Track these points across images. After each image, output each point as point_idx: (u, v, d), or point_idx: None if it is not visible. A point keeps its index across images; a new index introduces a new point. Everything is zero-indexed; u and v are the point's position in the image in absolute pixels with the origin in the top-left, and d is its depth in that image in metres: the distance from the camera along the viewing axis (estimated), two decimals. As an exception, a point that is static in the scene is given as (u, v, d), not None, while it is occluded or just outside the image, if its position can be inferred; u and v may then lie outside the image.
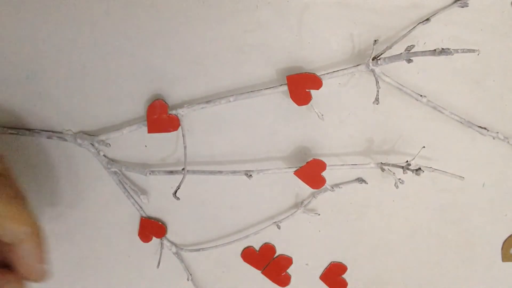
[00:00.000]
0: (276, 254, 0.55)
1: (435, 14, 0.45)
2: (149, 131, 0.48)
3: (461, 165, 0.51)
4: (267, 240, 0.55)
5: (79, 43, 0.46)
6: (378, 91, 0.45)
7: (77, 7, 0.44)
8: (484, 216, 0.54)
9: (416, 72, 0.47)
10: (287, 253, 0.55)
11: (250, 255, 0.55)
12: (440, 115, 0.48)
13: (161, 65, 0.47)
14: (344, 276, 0.57)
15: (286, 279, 0.56)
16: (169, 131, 0.48)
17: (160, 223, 0.53)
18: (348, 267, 0.56)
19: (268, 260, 0.55)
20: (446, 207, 0.54)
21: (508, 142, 0.49)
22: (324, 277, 0.57)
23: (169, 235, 0.54)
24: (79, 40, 0.46)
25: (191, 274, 0.55)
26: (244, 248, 0.55)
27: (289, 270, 0.56)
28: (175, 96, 0.48)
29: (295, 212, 0.52)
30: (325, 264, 0.56)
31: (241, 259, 0.55)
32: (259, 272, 0.56)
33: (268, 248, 0.55)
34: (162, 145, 0.50)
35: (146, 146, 0.50)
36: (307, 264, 0.56)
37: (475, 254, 0.56)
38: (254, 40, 0.46)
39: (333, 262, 0.56)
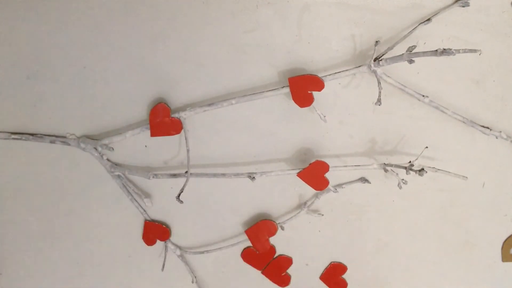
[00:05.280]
0: (276, 254, 0.52)
1: (436, 14, 0.42)
2: (152, 135, 0.45)
3: (462, 165, 0.49)
4: (267, 241, 0.52)
5: (80, 46, 0.43)
6: (380, 92, 0.43)
7: (78, 10, 0.42)
8: (484, 216, 0.51)
9: (416, 72, 0.45)
10: (287, 253, 0.52)
11: (250, 255, 0.52)
12: (441, 115, 0.45)
13: (163, 68, 0.44)
14: (344, 276, 0.54)
15: (286, 279, 0.53)
16: (172, 134, 0.46)
17: (164, 226, 0.50)
18: (348, 267, 0.53)
19: (268, 260, 0.52)
20: (446, 207, 0.51)
21: (511, 141, 0.46)
22: (324, 277, 0.54)
23: (173, 238, 0.51)
24: (81, 43, 0.43)
25: (195, 277, 0.52)
26: (244, 248, 0.52)
27: (289, 270, 0.53)
28: (178, 99, 0.45)
29: (298, 213, 0.49)
30: (325, 264, 0.53)
31: (241, 259, 0.52)
32: (259, 272, 0.53)
33: (268, 248, 0.52)
34: (165, 148, 0.48)
35: (149, 149, 0.48)
36: (307, 264, 0.53)
37: (475, 254, 0.53)
38: (254, 40, 0.43)
39: (333, 262, 0.53)
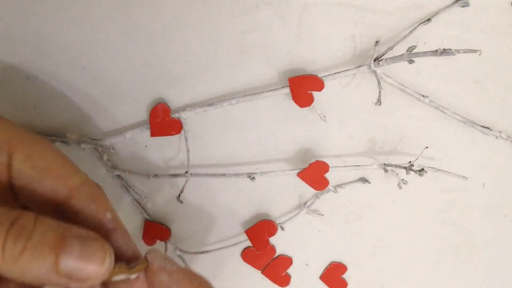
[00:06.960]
0: (276, 254, 0.52)
1: (436, 14, 0.41)
2: (152, 135, 0.45)
3: (462, 165, 0.48)
4: (267, 241, 0.52)
5: (80, 46, 0.42)
6: (380, 92, 0.42)
7: (78, 10, 0.41)
8: (484, 216, 0.51)
9: (416, 73, 0.44)
10: (287, 253, 0.52)
11: (250, 255, 0.52)
12: (441, 115, 0.44)
13: (163, 68, 0.43)
14: (344, 276, 0.53)
15: (286, 279, 0.53)
16: (172, 134, 0.45)
17: (164, 226, 0.50)
18: (348, 267, 0.53)
19: (268, 260, 0.52)
20: (446, 207, 0.50)
21: (511, 141, 0.46)
22: (324, 277, 0.53)
23: (173, 238, 0.51)
24: (81, 43, 0.42)
25: (195, 277, 0.51)
26: (244, 248, 0.51)
27: (289, 270, 0.53)
28: (178, 99, 0.45)
29: (298, 213, 0.49)
30: (325, 264, 0.53)
31: (241, 259, 0.52)
32: (259, 272, 0.52)
33: (268, 248, 0.51)
34: (165, 148, 0.47)
35: (149, 149, 0.47)
36: (307, 264, 0.53)
37: (475, 254, 0.53)
38: (254, 40, 0.42)
39: (333, 262, 0.53)
